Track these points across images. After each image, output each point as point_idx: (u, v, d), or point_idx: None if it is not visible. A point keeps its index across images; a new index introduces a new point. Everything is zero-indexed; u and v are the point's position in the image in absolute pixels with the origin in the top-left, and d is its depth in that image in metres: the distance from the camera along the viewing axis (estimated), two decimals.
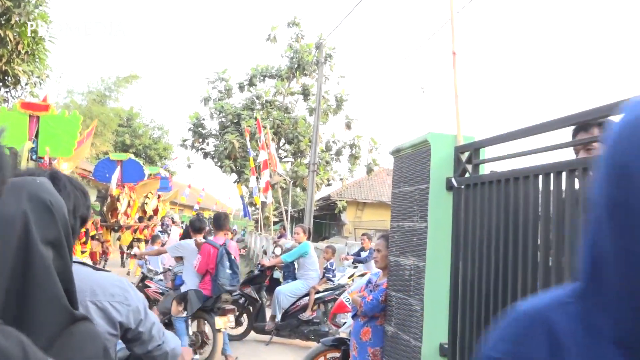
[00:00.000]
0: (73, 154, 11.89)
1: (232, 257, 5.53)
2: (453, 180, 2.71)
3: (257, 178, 19.72)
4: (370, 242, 9.50)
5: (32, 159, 11.10)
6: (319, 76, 15.68)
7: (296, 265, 7.18)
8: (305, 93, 27.13)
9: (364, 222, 29.43)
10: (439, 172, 2.76)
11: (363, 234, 9.56)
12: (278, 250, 7.84)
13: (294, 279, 7.07)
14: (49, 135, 11.39)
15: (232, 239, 7.38)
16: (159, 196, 21.99)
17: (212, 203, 61.57)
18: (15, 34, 10.19)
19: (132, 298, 1.43)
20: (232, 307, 5.70)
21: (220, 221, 5.89)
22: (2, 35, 9.96)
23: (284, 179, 16.01)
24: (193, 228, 5.89)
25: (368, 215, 29.95)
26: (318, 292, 6.80)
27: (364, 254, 9.39)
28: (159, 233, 11.93)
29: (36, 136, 11.26)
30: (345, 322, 4.83)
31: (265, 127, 16.35)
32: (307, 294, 6.81)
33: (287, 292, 6.79)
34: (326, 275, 7.00)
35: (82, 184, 1.41)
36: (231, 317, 5.63)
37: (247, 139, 18.87)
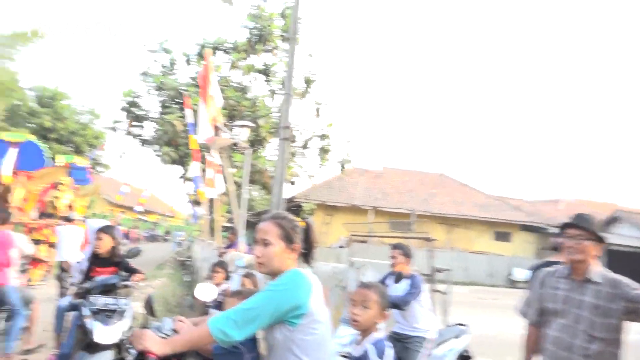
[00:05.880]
0: None
1: None
2: None
3: (202, 165, 14.72)
4: (409, 262, 4.75)
5: None
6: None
7: None
8: (267, 72, 22.33)
9: (334, 229, 24.81)
10: None
11: (395, 246, 4.78)
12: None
13: None
14: None
15: None
16: (77, 189, 17.71)
17: (160, 206, 55.80)
18: None
19: None
20: None
21: None
22: None
23: (233, 142, 10.66)
24: None
25: (338, 221, 25.24)
26: None
27: (397, 287, 4.63)
28: None
29: None
30: None
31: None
32: None
33: None
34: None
35: None
36: None
37: (189, 112, 13.96)
